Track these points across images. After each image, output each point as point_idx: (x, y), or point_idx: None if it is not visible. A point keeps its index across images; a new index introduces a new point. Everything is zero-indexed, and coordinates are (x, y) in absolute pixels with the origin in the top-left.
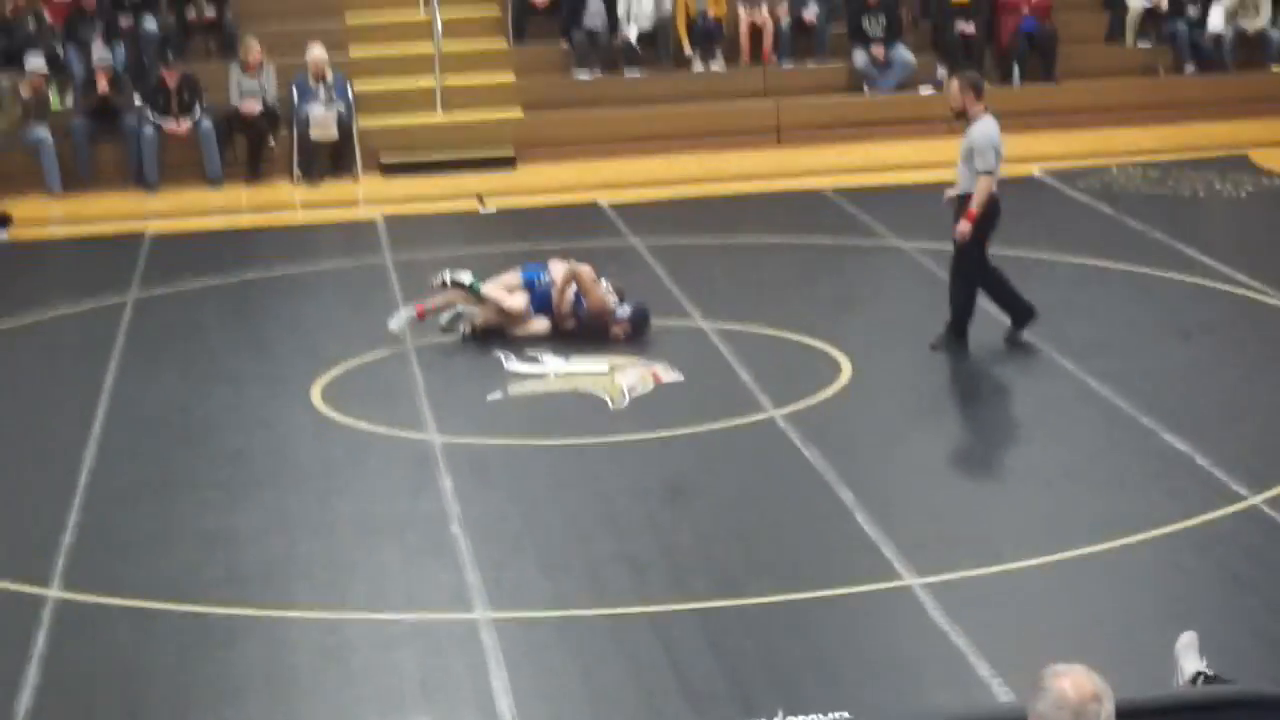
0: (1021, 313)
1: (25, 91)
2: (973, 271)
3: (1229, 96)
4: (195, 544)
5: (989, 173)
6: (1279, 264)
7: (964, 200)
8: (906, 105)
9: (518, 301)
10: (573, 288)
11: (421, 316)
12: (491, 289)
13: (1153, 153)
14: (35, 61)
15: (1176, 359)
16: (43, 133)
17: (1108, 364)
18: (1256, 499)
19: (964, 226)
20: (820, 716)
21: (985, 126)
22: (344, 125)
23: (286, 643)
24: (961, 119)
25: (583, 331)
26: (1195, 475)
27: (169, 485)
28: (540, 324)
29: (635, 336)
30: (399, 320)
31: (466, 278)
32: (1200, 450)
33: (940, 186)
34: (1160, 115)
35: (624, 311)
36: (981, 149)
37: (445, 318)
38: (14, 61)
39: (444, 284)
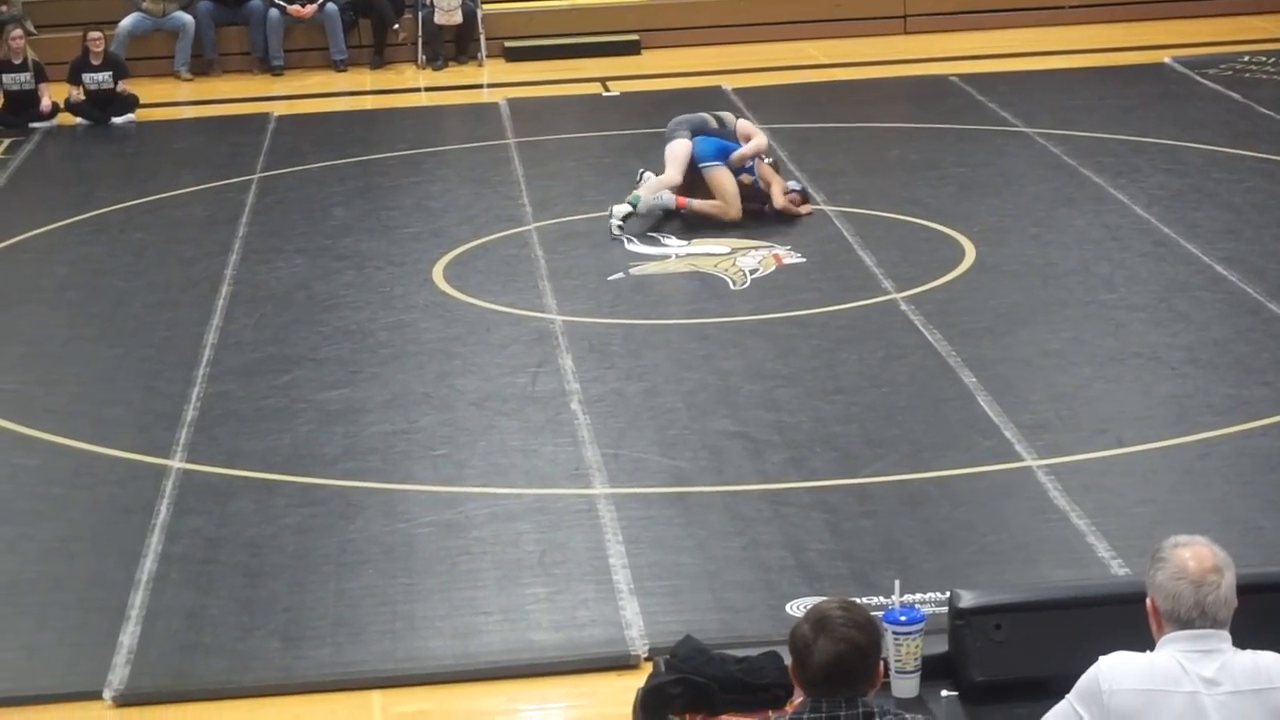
0: None
1: None
2: None
3: None
4: (316, 418)
5: None
6: None
7: None
8: None
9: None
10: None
11: (681, 207)
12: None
13: None
14: None
15: None
16: (186, 16)
17: (1235, 249)
18: None
19: None
20: (938, 594)
21: None
22: (468, 10)
23: (405, 515)
24: None
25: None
26: None
27: (290, 361)
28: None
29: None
30: (661, 201)
31: (626, 209)
32: None
33: (1068, 72)
34: None
35: (792, 184)
36: None
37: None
38: None
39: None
